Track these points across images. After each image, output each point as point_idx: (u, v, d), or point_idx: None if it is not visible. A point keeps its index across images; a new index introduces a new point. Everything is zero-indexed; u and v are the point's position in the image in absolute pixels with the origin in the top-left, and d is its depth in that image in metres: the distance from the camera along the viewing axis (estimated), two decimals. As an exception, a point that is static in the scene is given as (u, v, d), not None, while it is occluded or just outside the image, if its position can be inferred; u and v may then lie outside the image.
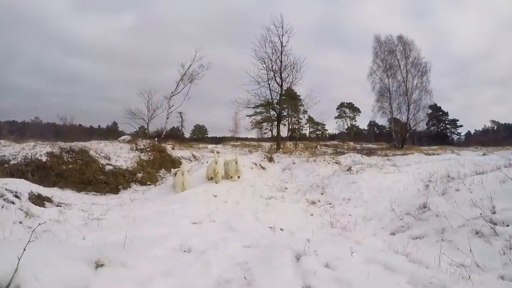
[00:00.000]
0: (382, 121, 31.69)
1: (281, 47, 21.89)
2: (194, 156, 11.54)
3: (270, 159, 12.40)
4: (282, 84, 21.95)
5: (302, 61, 21.65)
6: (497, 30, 59.47)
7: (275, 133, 37.66)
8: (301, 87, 22.51)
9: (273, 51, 21.91)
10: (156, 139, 18.46)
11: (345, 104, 49.58)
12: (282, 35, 21.83)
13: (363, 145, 38.15)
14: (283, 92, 22.14)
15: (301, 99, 23.92)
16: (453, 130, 55.33)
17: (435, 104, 30.03)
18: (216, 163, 7.13)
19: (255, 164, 9.92)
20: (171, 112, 21.42)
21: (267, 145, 27.62)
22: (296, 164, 11.20)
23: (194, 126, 50.48)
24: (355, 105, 49.11)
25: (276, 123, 24.61)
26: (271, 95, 22.19)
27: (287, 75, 21.92)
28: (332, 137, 48.20)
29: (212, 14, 54.68)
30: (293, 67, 21.63)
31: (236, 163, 7.39)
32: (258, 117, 27.72)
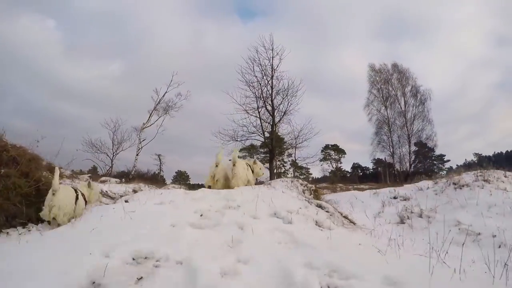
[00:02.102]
0: (382, 155, 28.78)
1: (272, 71, 19.24)
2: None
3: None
4: (274, 113, 18.92)
5: (298, 84, 18.85)
6: (467, 69, 64.52)
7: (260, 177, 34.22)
8: (298, 116, 19.15)
9: (263, 75, 19.21)
10: (123, 179, 14.51)
11: (330, 146, 47.81)
12: (273, 57, 19.16)
13: (355, 186, 34.94)
14: (276, 122, 19.02)
15: (285, 141, 20.57)
16: (440, 166, 53.65)
17: (420, 141, 28.01)
18: (216, 166, 6.01)
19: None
20: (141, 147, 17.71)
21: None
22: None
23: (176, 172, 47.56)
24: (340, 147, 47.52)
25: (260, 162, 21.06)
26: (261, 125, 19.00)
27: (280, 102, 19.01)
28: (317, 180, 45.62)
29: (199, 63, 54.18)
30: (287, 93, 18.80)
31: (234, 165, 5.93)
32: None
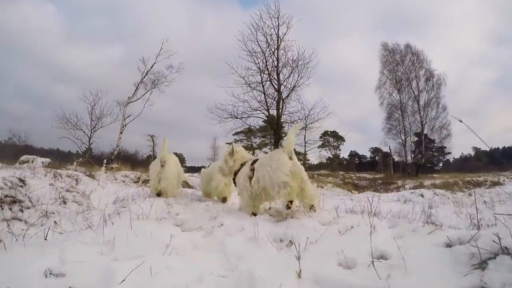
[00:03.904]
0: (393, 143, 26.54)
1: (278, 40, 16.79)
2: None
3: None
4: (280, 89, 16.47)
5: (311, 54, 16.39)
6: (466, 66, 64.19)
7: None
8: (310, 91, 16.61)
9: (268, 44, 16.75)
10: (105, 162, 11.98)
11: (329, 132, 45.91)
12: (279, 25, 16.75)
13: (357, 175, 32.84)
14: (283, 98, 16.55)
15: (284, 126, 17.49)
16: (441, 158, 52.08)
17: (421, 131, 25.88)
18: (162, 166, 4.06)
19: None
20: (126, 124, 15.09)
21: None
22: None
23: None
24: (339, 134, 45.63)
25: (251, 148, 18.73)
26: (266, 101, 16.56)
27: (288, 75, 16.56)
28: (314, 167, 44.22)
29: (198, 50, 52.40)
30: (296, 64, 16.35)
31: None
32: (239, 144, 21.92)
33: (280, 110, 16.40)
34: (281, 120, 16.45)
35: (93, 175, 6.52)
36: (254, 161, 3.23)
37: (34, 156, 6.75)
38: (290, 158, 2.94)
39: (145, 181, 7.37)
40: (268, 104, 16.43)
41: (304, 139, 16.79)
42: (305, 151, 16.98)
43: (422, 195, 9.02)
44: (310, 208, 2.88)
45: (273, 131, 16.65)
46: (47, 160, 6.82)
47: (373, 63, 55.00)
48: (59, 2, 65.23)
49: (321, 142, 44.42)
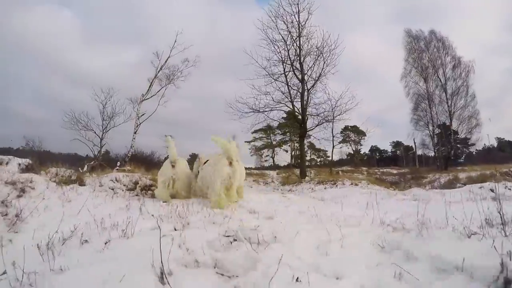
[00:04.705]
0: (421, 134, 24.92)
1: (299, 28, 15.47)
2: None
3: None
4: (304, 79, 15.12)
5: (336, 39, 14.74)
6: (484, 54, 60.88)
7: (277, 160, 30.51)
8: (335, 80, 15.15)
9: (289, 32, 15.43)
10: (118, 164, 10.90)
11: (349, 127, 44.19)
12: (299, 11, 15.41)
13: (381, 170, 31.37)
14: (308, 89, 15.18)
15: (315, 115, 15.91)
16: (465, 150, 49.86)
17: (444, 123, 24.11)
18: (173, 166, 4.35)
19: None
20: (140, 123, 13.98)
21: (272, 173, 20.26)
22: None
23: (190, 155, 44.21)
24: (360, 128, 43.89)
25: (279, 143, 17.56)
26: (289, 92, 15.24)
27: (312, 64, 15.19)
28: (335, 164, 42.95)
29: (215, 49, 52.04)
30: (321, 51, 14.97)
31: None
32: (259, 143, 21.06)
33: (305, 102, 15.05)
34: (307, 113, 15.12)
35: (83, 180, 5.14)
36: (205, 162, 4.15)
37: (10, 157, 5.53)
38: (230, 164, 3.71)
39: (147, 188, 5.44)
40: (292, 96, 15.11)
41: (332, 132, 15.39)
42: (333, 146, 15.55)
43: (492, 190, 7.58)
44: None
45: (298, 124, 15.30)
46: (26, 160, 5.59)
47: (391, 56, 53.49)
48: (74, 6, 66.04)
49: (342, 138, 43.24)
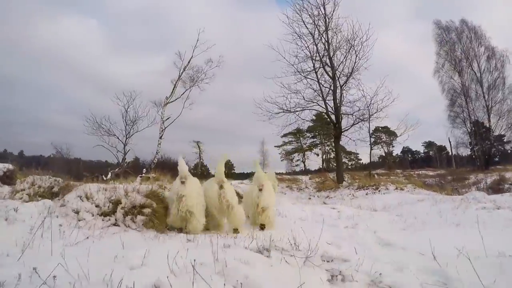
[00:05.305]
0: (458, 133, 23.28)
1: (325, 21, 14.53)
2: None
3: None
4: (335, 75, 14.09)
5: (367, 29, 13.66)
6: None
7: (308, 165, 29.46)
8: (367, 77, 14.02)
9: (315, 26, 14.50)
10: (144, 171, 10.21)
11: (380, 128, 42.43)
12: (324, 3, 14.33)
13: (417, 173, 29.78)
14: (341, 85, 14.11)
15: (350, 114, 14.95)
16: (500, 148, 46.90)
17: (477, 120, 22.24)
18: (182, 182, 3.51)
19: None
20: (165, 127, 13.30)
21: (305, 178, 19.21)
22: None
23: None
24: (391, 129, 41.96)
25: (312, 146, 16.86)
26: (321, 90, 14.22)
27: (343, 58, 14.16)
28: (366, 166, 41.21)
29: (241, 54, 52.37)
30: (352, 45, 13.92)
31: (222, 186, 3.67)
32: (288, 147, 20.08)
33: (338, 100, 13.99)
34: (341, 112, 14.04)
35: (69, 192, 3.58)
36: None
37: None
38: (221, 187, 3.58)
39: (136, 211, 3.45)
40: (324, 94, 14.08)
41: (369, 131, 14.22)
42: (371, 147, 14.38)
43: None
44: (234, 231, 3.54)
45: (332, 125, 14.22)
46: (7, 166, 4.53)
47: (417, 53, 51.26)
48: (100, 17, 69.24)
49: (373, 140, 41.77)
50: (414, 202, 7.63)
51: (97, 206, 3.37)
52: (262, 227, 3.76)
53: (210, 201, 3.61)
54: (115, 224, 3.26)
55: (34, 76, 47.83)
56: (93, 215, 3.25)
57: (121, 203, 3.43)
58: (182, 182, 3.45)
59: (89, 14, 70.70)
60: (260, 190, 3.89)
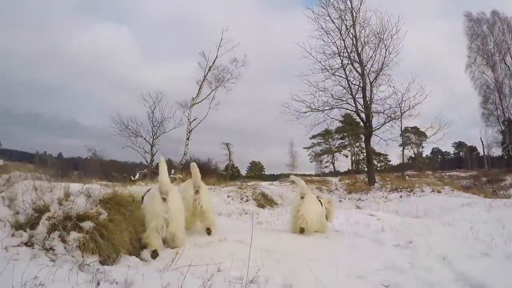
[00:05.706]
0: (492, 131, 22.13)
1: (352, 15, 14.07)
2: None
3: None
4: (364, 71, 13.58)
5: (397, 22, 13.13)
6: None
7: (337, 166, 29.05)
8: (398, 70, 13.44)
9: (342, 20, 14.05)
10: (172, 172, 10.14)
11: (409, 129, 41.09)
12: (351, -4, 13.87)
13: (448, 174, 28.81)
14: (371, 82, 13.58)
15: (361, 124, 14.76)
16: None
17: (510, 118, 20.82)
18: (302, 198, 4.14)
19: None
20: (192, 128, 13.20)
21: (334, 180, 18.78)
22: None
23: (250, 163, 46.26)
24: (420, 130, 40.62)
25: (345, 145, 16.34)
26: (350, 88, 13.74)
27: (372, 54, 13.63)
28: (396, 168, 40.05)
29: (270, 56, 53.05)
30: (381, 38, 13.37)
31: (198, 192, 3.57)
32: (317, 149, 19.60)
33: (368, 98, 13.47)
34: (371, 110, 13.50)
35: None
36: None
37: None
38: (197, 192, 3.57)
39: (70, 225, 2.16)
40: (353, 92, 13.59)
41: (400, 130, 13.62)
42: (403, 147, 13.74)
43: None
44: (207, 230, 3.51)
45: (363, 124, 13.70)
46: None
47: (444, 50, 49.43)
48: (130, 24, 73.06)
49: (402, 141, 40.77)
50: (458, 206, 7.03)
51: (16, 213, 2.22)
52: (302, 230, 3.99)
53: (184, 204, 3.29)
54: (27, 244, 2.02)
55: (71, 83, 51.13)
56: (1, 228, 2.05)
57: (48, 211, 2.22)
58: (164, 199, 2.75)
59: (120, 22, 73.71)
60: (302, 198, 4.09)
